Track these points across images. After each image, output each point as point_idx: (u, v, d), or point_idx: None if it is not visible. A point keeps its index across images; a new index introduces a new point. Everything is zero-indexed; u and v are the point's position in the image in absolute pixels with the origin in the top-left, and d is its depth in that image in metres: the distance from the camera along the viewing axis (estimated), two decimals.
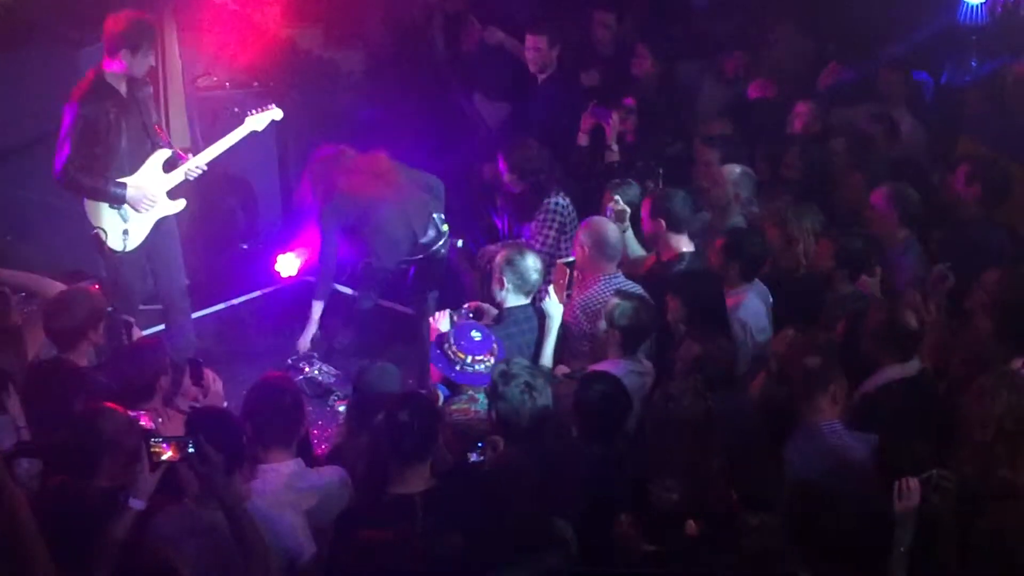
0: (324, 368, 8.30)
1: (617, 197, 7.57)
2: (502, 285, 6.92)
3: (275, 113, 8.31)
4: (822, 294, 6.94)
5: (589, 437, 5.63)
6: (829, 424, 5.57)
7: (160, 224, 8.08)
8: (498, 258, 7.02)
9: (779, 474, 5.48)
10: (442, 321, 6.72)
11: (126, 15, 7.70)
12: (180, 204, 8.16)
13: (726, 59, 9.91)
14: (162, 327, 8.74)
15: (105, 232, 7.86)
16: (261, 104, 8.45)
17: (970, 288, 6.45)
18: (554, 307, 6.86)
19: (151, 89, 8.09)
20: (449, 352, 6.18)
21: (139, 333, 7.15)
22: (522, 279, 6.91)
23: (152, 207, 7.97)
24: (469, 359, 6.15)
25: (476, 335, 6.23)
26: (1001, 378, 5.36)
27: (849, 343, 6.19)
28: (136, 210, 7.90)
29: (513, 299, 6.94)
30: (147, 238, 8.04)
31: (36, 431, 5.65)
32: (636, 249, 7.68)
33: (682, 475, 5.11)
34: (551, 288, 6.91)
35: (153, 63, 7.92)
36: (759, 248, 7.06)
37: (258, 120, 8.24)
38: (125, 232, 7.92)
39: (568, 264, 7.01)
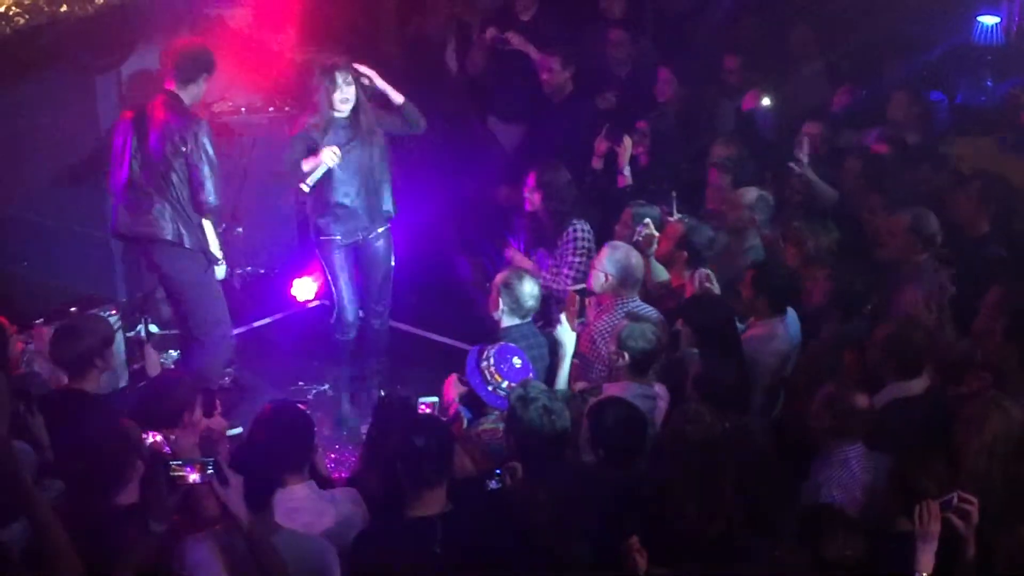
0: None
1: (648, 221, 7.56)
2: (497, 307, 6.94)
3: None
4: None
5: (609, 463, 5.62)
6: (853, 447, 5.57)
7: None
8: (497, 280, 7.03)
9: (791, 497, 5.45)
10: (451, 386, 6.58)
11: (194, 42, 7.88)
12: None
13: (724, 63, 9.87)
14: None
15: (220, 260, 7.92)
16: (270, 134, 8.74)
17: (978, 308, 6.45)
18: (566, 335, 6.85)
19: None
20: (487, 371, 6.20)
21: (152, 353, 7.15)
22: (517, 304, 6.93)
23: None
24: (505, 384, 6.17)
25: (517, 362, 6.25)
26: (990, 405, 5.34)
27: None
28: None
29: (508, 320, 6.96)
30: None
31: (56, 457, 5.66)
32: (662, 273, 7.67)
33: (696, 498, 5.09)
34: (563, 316, 6.90)
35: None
36: (787, 280, 7.04)
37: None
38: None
39: (579, 292, 7.00)
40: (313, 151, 7.86)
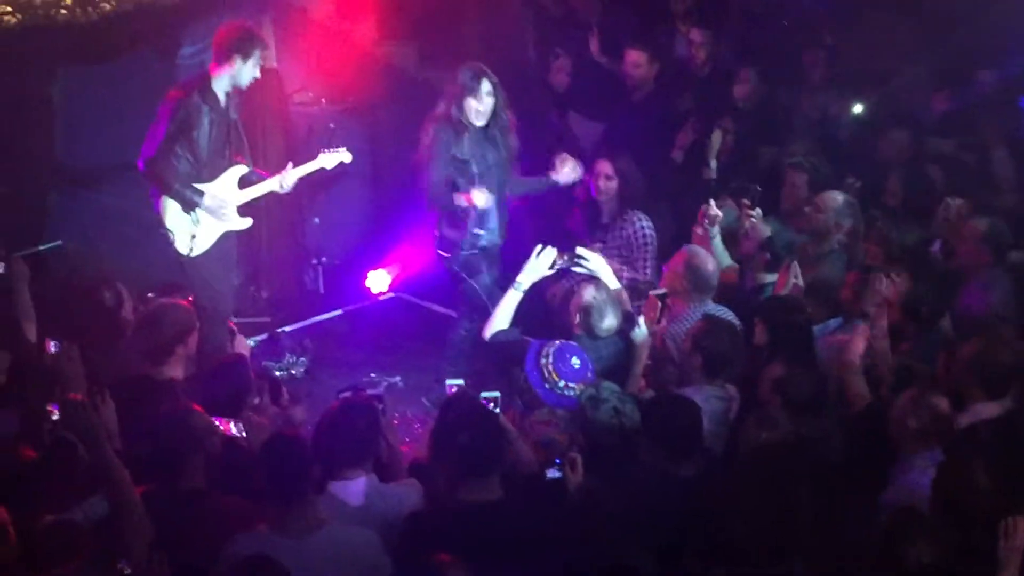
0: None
1: (712, 201, 7.56)
2: (576, 328, 6.82)
3: (344, 156, 8.29)
4: None
5: (660, 458, 5.50)
6: (933, 454, 5.45)
7: (221, 238, 8.06)
8: (582, 300, 6.81)
9: (867, 503, 5.35)
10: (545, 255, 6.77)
11: (240, 24, 7.83)
12: (247, 222, 8.11)
13: (807, 57, 9.67)
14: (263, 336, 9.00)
15: (172, 233, 7.87)
16: (347, 125, 8.55)
17: None
18: (643, 337, 6.80)
19: (238, 116, 8.06)
20: (545, 368, 6.15)
21: (243, 341, 7.21)
22: (592, 333, 6.77)
23: (225, 217, 7.95)
24: (562, 383, 6.11)
25: (576, 362, 6.18)
26: None
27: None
28: (212, 217, 7.88)
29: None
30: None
31: (124, 444, 5.70)
32: (725, 259, 7.66)
33: (770, 504, 4.97)
34: (641, 319, 6.85)
35: (258, 75, 7.92)
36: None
37: (328, 159, 8.25)
38: (193, 237, 7.87)
39: (660, 296, 6.94)
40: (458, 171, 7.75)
